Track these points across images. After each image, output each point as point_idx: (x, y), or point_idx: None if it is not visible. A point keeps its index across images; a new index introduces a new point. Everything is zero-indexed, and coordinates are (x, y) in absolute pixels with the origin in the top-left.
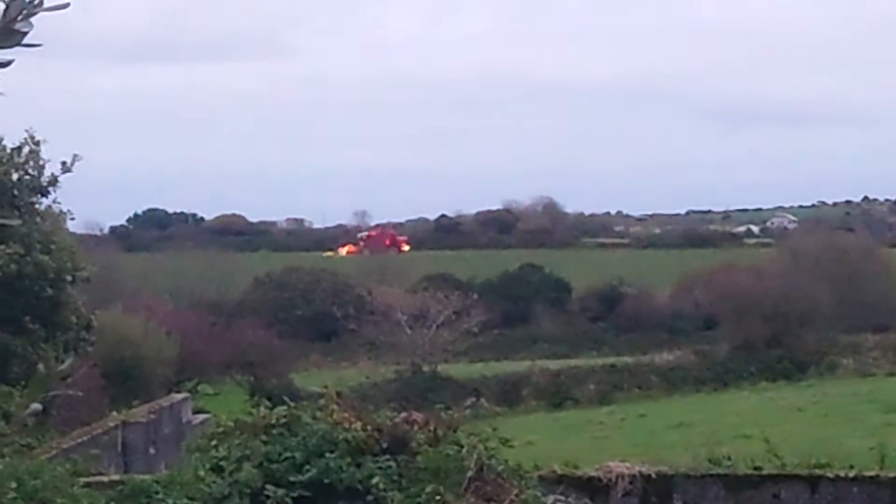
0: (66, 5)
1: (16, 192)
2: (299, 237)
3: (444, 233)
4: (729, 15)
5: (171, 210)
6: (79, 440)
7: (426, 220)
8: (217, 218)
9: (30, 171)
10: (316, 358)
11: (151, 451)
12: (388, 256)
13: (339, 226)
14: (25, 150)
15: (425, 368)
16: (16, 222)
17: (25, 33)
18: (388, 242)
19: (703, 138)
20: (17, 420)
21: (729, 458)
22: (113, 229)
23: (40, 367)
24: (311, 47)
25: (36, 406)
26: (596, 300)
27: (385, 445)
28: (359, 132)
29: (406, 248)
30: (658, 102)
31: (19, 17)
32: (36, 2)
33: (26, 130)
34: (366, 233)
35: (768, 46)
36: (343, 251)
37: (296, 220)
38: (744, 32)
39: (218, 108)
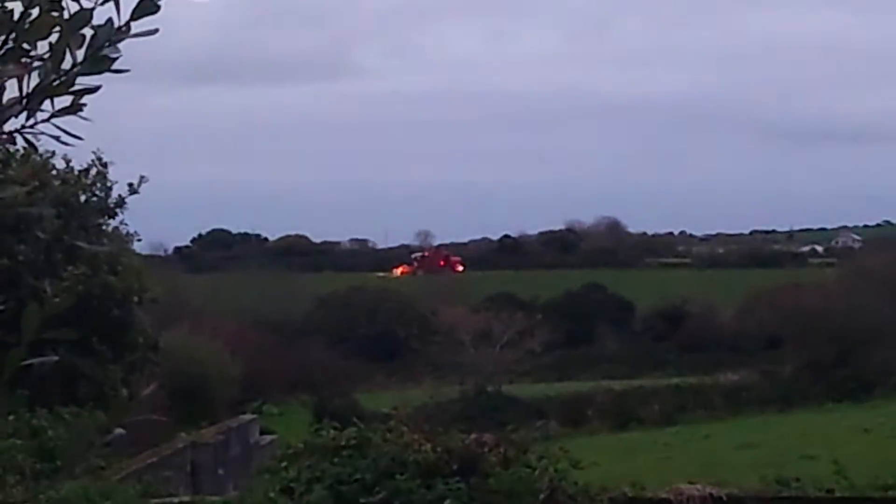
0: (155, 31)
1: (84, 214)
2: (362, 257)
3: (507, 253)
4: (791, 32)
5: (234, 231)
6: (148, 461)
7: (489, 240)
8: (281, 238)
9: (97, 192)
10: (380, 378)
11: (220, 472)
12: (452, 277)
13: (403, 246)
14: (93, 171)
15: (489, 388)
16: (104, 248)
17: (114, 59)
18: (442, 263)
19: (766, 157)
20: (87, 441)
21: (797, 480)
22: (178, 250)
23: (123, 391)
24: (374, 67)
25: (120, 431)
26: (659, 320)
27: (455, 467)
28: (422, 151)
29: (460, 268)
30: (721, 121)
31: (107, 44)
32: (124, 28)
33: (94, 152)
34: (420, 254)
35: (832, 64)
36: (397, 272)
37: (359, 240)
38: (806, 49)
39: (282, 129)
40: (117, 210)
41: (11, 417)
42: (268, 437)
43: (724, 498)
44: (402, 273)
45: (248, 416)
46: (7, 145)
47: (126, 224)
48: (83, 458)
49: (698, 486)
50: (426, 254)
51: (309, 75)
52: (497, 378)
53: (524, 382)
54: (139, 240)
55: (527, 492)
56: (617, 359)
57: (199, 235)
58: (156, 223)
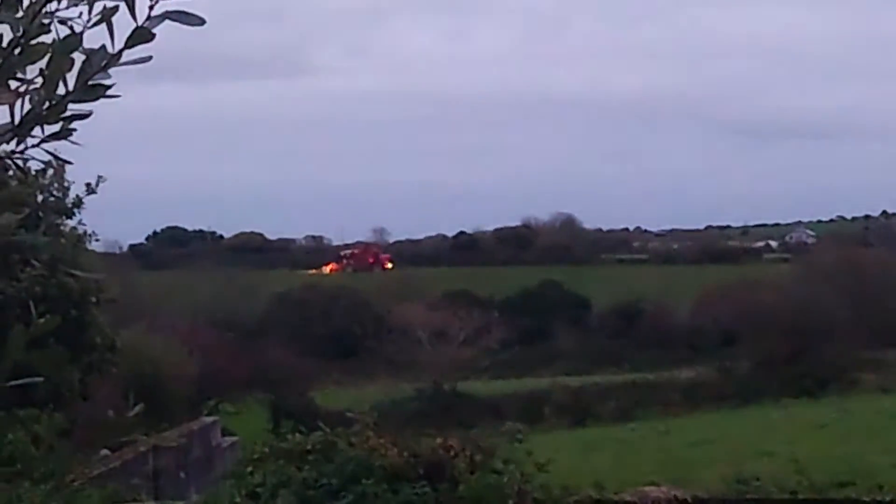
0: (149, 59)
1: (41, 214)
2: (318, 255)
3: (463, 249)
4: (744, 30)
5: (190, 228)
6: (110, 466)
7: (444, 237)
8: (236, 236)
9: (54, 192)
10: (336, 376)
11: (182, 475)
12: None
13: (359, 242)
14: (50, 171)
15: (446, 386)
16: (41, 241)
17: (108, 87)
18: (371, 260)
19: (721, 153)
20: (45, 443)
21: (757, 479)
22: (132, 247)
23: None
24: (330, 65)
25: (105, 452)
26: (616, 316)
27: (422, 472)
28: (378, 149)
29: (389, 265)
30: (675, 117)
31: (97, 72)
32: (116, 55)
33: (49, 152)
34: (349, 251)
35: (785, 61)
36: (327, 269)
37: (314, 237)
38: (759, 47)
39: (237, 126)
40: (75, 210)
41: None
42: (229, 439)
43: (689, 500)
44: (331, 271)
45: (210, 419)
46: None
47: (84, 224)
48: (42, 462)
49: (663, 489)
50: (355, 251)
51: (265, 73)
52: (453, 375)
53: (481, 380)
54: (97, 240)
55: (496, 499)
56: (573, 356)
57: (154, 233)
58: (111, 221)
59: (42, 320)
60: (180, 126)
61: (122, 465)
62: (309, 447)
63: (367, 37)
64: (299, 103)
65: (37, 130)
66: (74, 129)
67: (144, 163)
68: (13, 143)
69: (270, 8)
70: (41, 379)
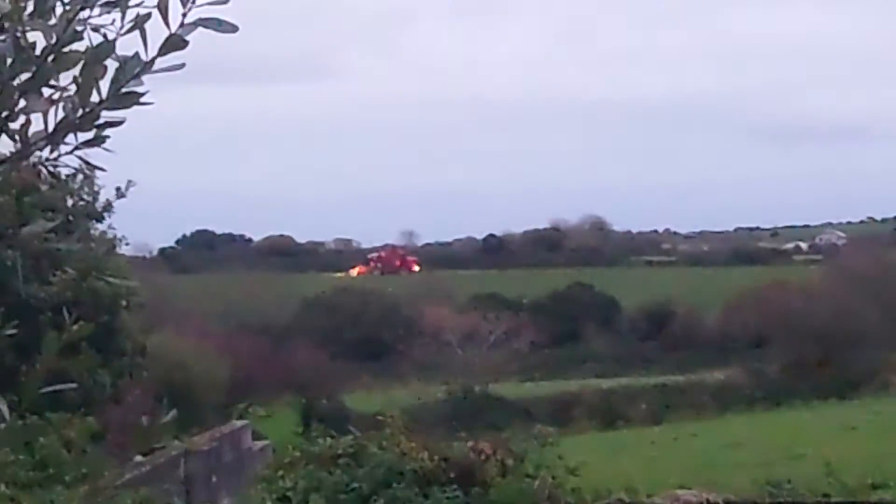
0: (181, 66)
1: (70, 218)
2: (346, 258)
3: (492, 252)
4: (774, 32)
5: (219, 231)
6: (142, 469)
7: (474, 240)
8: (265, 239)
9: (85, 196)
10: (366, 379)
11: (213, 479)
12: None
13: (387, 245)
14: (80, 176)
15: (476, 389)
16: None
17: (141, 95)
18: (398, 263)
19: (750, 155)
20: (77, 448)
21: (789, 482)
22: (162, 251)
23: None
24: (359, 68)
25: (139, 458)
26: (645, 319)
27: (452, 476)
28: (407, 152)
29: (416, 268)
30: (705, 120)
31: (130, 80)
32: (150, 63)
33: (82, 159)
34: (376, 254)
35: (816, 64)
36: (354, 272)
37: (343, 240)
38: (789, 49)
39: (266, 130)
40: (105, 214)
41: (2, 425)
42: (260, 443)
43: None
44: (358, 273)
45: (241, 422)
46: (33, 178)
47: (113, 228)
48: (74, 466)
49: (694, 493)
50: (382, 254)
51: (294, 77)
52: (483, 378)
53: (511, 382)
54: (127, 244)
55: (527, 503)
56: (603, 358)
57: (184, 236)
58: (141, 225)
59: (76, 327)
60: (210, 129)
61: (154, 470)
62: (340, 451)
63: (394, 40)
64: (328, 107)
65: (70, 137)
66: (108, 137)
67: (174, 166)
68: (47, 150)
69: (297, 12)
70: (75, 385)
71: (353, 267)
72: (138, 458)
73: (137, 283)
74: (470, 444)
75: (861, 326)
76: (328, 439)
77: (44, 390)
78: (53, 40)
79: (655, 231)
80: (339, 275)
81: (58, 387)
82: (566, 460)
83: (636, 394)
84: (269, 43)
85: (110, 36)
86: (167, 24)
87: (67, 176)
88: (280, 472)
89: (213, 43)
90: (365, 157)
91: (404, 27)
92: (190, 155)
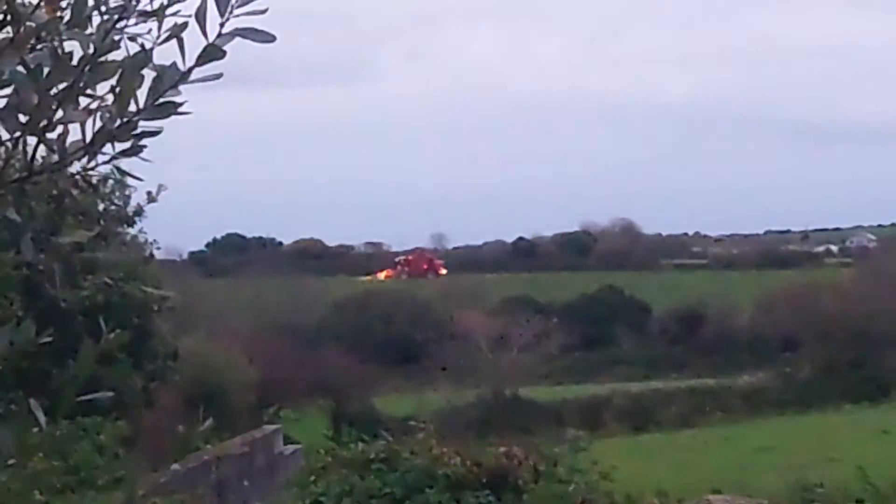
0: (219, 76)
1: (102, 223)
2: (375, 261)
3: (522, 255)
4: (807, 34)
5: (249, 235)
6: (175, 474)
7: (503, 243)
8: (295, 242)
9: (116, 201)
10: (396, 382)
11: (245, 484)
12: (469, 279)
13: (416, 248)
14: (111, 180)
15: (506, 392)
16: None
17: (179, 105)
18: (425, 267)
19: (780, 157)
20: (109, 452)
21: (821, 486)
22: (192, 255)
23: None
24: (389, 70)
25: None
26: (676, 322)
27: (485, 481)
28: (437, 154)
29: (443, 272)
30: (736, 122)
31: (168, 89)
32: (187, 73)
33: (119, 168)
34: (403, 257)
35: (847, 66)
36: (381, 275)
37: (373, 243)
38: (822, 51)
39: (296, 132)
40: (136, 219)
41: (35, 429)
42: (291, 447)
43: None
44: (386, 277)
45: (272, 427)
46: (69, 187)
47: (144, 232)
48: (106, 470)
49: (727, 497)
50: (409, 258)
51: (324, 79)
52: (514, 381)
53: (541, 385)
54: (158, 248)
55: None
56: (634, 361)
57: (214, 240)
58: (171, 228)
59: (112, 335)
60: (240, 133)
61: (187, 475)
62: (372, 456)
63: (425, 43)
64: (358, 109)
65: (107, 147)
66: (145, 147)
67: (205, 170)
68: (84, 159)
69: (329, 16)
70: (111, 394)
71: (381, 270)
72: (175, 466)
73: (172, 293)
74: (502, 448)
75: (893, 329)
76: (359, 444)
77: (80, 398)
78: (91, 50)
79: (685, 234)
80: (366, 278)
81: (95, 395)
82: (599, 465)
83: (667, 397)
84: (300, 46)
85: (147, 45)
86: (205, 33)
87: (99, 180)
88: (312, 477)
89: (245, 48)
90: (395, 159)
91: (435, 30)
92: (221, 158)
